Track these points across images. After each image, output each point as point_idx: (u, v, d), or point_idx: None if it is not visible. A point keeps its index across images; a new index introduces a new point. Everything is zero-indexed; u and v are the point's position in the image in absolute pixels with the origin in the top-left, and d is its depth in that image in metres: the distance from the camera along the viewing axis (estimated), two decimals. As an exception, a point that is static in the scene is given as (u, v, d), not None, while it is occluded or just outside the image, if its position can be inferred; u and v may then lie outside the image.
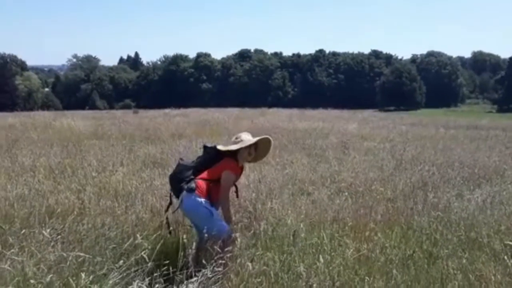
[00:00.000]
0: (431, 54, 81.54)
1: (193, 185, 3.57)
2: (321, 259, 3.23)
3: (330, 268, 3.37)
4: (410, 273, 3.51)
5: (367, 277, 3.30)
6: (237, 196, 4.07)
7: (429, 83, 72.07)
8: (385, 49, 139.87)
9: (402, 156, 8.96)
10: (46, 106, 48.48)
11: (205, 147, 3.90)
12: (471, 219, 4.88)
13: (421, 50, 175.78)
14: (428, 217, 4.93)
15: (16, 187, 5.48)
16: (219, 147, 3.82)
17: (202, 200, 3.57)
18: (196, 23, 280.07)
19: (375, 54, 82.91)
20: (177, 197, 3.74)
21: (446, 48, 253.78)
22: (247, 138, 3.84)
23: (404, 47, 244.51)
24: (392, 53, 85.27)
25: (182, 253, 3.27)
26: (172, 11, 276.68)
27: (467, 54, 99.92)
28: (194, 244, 3.76)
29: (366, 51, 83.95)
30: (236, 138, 3.87)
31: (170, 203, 3.86)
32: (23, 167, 6.87)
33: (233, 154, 3.77)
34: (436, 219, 4.85)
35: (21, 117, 20.62)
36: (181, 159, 3.94)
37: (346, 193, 5.74)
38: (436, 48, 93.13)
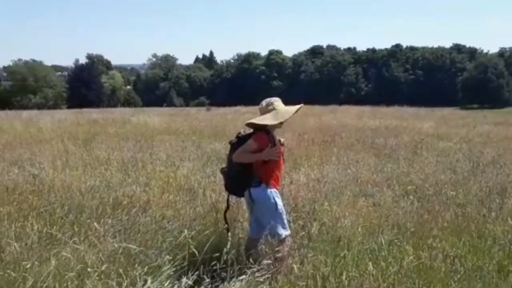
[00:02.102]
0: (522, 47, 74.57)
1: (256, 179, 3.50)
2: (370, 266, 3.07)
3: (386, 275, 3.20)
4: (475, 287, 3.23)
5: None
6: (283, 161, 3.72)
7: (519, 79, 65.99)
8: (468, 42, 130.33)
9: (480, 158, 8.31)
10: (127, 103, 51.58)
11: (231, 143, 3.66)
12: (555, 231, 4.38)
13: (511, 43, 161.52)
14: (503, 226, 4.50)
15: (90, 178, 5.89)
16: (253, 120, 3.57)
17: (271, 190, 3.49)
18: (269, 21, 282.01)
19: (457, 48, 77.65)
20: (241, 196, 3.68)
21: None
22: (282, 109, 3.55)
23: (491, 40, 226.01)
24: (477, 46, 79.46)
25: (232, 250, 3.29)
26: (245, 10, 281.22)
27: None
28: (246, 241, 3.74)
29: (447, 45, 79.06)
30: (268, 106, 3.57)
31: (228, 207, 3.76)
32: (98, 160, 7.36)
33: (263, 126, 3.52)
34: (513, 229, 4.42)
35: (104, 113, 22.25)
36: (222, 169, 3.81)
37: (412, 196, 5.43)
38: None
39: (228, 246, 3.08)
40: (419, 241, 3.93)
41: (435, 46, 78.35)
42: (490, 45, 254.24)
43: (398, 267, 3.31)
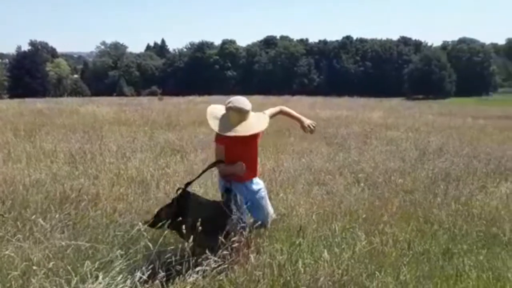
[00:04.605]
0: (462, 41, 78.64)
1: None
2: (325, 253, 3.12)
3: (340, 261, 3.26)
4: (423, 269, 3.37)
5: (377, 272, 3.19)
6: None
7: (460, 71, 69.80)
8: (414, 35, 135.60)
9: (426, 146, 8.70)
10: (75, 92, 49.52)
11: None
12: (494, 214, 4.67)
13: (453, 37, 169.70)
14: (447, 210, 4.74)
15: (34, 172, 5.57)
16: (209, 120, 3.59)
17: (220, 180, 3.65)
18: (223, 10, 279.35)
19: (404, 40, 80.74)
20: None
21: (479, 35, 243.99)
22: (248, 121, 3.43)
23: (435, 33, 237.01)
24: (422, 39, 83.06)
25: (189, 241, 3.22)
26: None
27: (501, 41, 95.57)
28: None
29: (395, 37, 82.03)
30: (238, 111, 3.41)
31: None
32: (44, 152, 6.98)
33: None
34: (456, 213, 4.67)
35: (50, 103, 21.15)
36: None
37: (363, 184, 5.59)
38: (469, 35, 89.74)
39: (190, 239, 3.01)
40: (370, 227, 4.05)
41: (384, 38, 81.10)
42: (434, 38, 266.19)
43: (351, 253, 3.39)
